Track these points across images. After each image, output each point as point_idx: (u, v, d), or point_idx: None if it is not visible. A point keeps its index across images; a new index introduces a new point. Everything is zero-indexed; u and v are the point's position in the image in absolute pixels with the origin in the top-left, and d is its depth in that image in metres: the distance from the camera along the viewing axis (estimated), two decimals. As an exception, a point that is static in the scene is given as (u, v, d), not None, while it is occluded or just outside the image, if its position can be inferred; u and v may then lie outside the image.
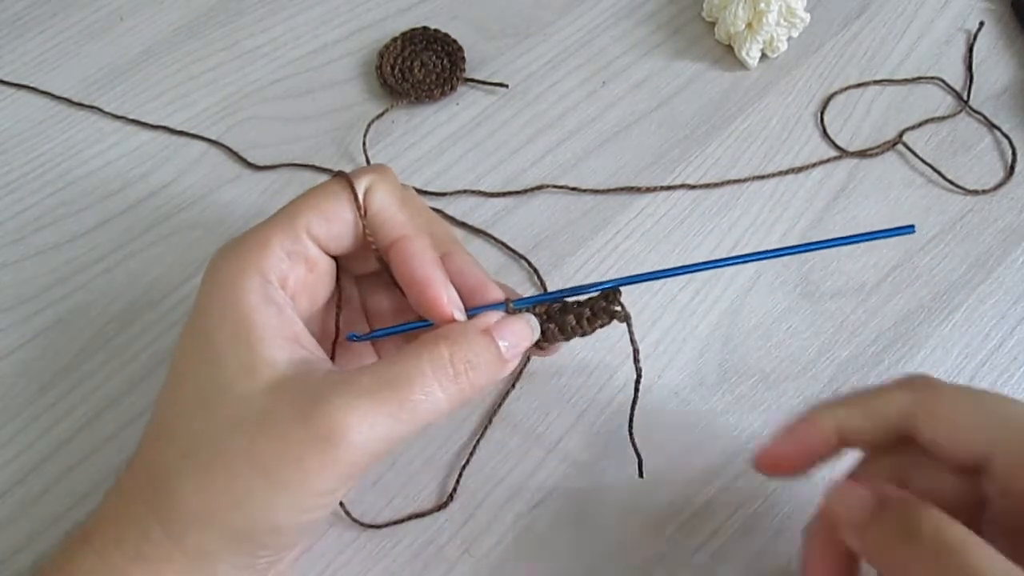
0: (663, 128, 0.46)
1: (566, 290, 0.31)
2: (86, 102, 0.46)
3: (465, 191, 0.43)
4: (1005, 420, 0.27)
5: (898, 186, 0.44)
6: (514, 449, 0.37)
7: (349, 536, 0.35)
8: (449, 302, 0.29)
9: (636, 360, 0.31)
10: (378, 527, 0.35)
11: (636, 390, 0.32)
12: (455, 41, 0.48)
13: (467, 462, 0.37)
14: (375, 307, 0.34)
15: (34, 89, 0.47)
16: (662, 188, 0.44)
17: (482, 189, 0.44)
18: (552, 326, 0.30)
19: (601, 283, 0.30)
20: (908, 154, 0.45)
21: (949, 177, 0.44)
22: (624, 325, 0.31)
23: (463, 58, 0.47)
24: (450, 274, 0.30)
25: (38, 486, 0.36)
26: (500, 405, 0.38)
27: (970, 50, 0.48)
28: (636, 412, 0.34)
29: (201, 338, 0.28)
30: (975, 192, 0.44)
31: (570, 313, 0.30)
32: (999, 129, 0.45)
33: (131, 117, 0.46)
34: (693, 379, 0.39)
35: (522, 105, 0.46)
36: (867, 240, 0.29)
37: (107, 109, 0.46)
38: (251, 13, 0.50)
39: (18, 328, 0.40)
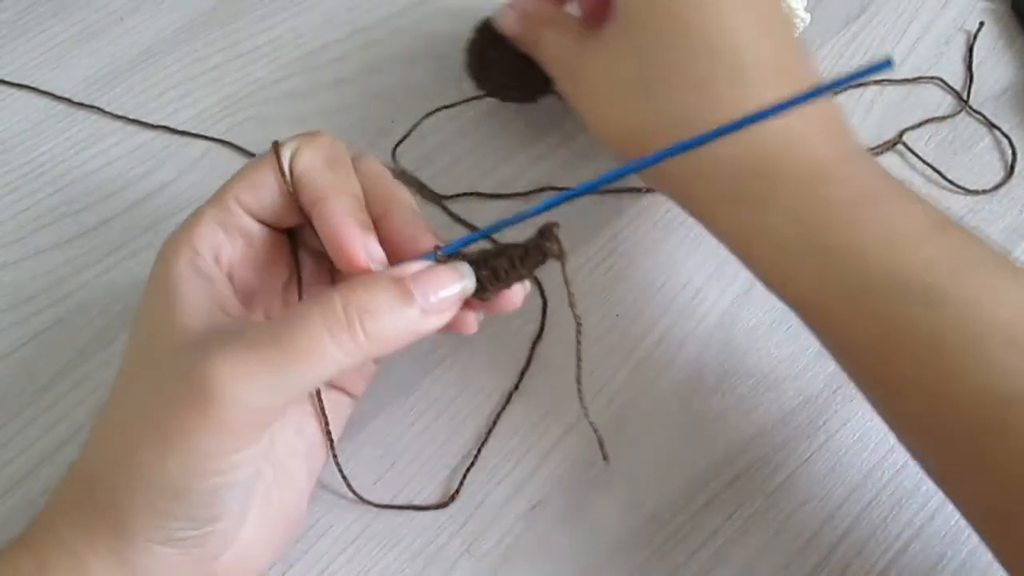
0: (663, 128, 0.46)
1: (499, 223, 0.28)
2: (86, 102, 0.46)
3: (465, 193, 0.43)
4: None
5: (898, 186, 0.44)
6: (514, 449, 0.37)
7: (349, 536, 0.35)
8: (366, 256, 0.28)
9: (572, 306, 0.29)
10: (376, 505, 0.35)
11: (578, 341, 0.30)
12: None
13: (472, 464, 0.37)
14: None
15: (34, 89, 0.47)
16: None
17: (481, 191, 0.44)
18: (486, 272, 0.28)
19: (527, 211, 0.28)
20: (908, 154, 0.45)
21: (949, 177, 0.44)
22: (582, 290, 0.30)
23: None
24: (386, 232, 0.29)
25: (38, 486, 0.36)
26: (504, 406, 0.38)
27: (970, 50, 0.48)
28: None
29: (139, 311, 0.29)
30: (975, 192, 0.44)
31: (503, 256, 0.28)
32: (999, 129, 0.45)
33: (131, 117, 0.46)
34: (693, 379, 0.39)
35: (522, 105, 0.46)
36: (839, 86, 0.25)
37: (107, 109, 0.46)
38: (251, 13, 0.50)
39: (18, 328, 0.40)
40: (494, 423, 0.37)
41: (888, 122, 0.46)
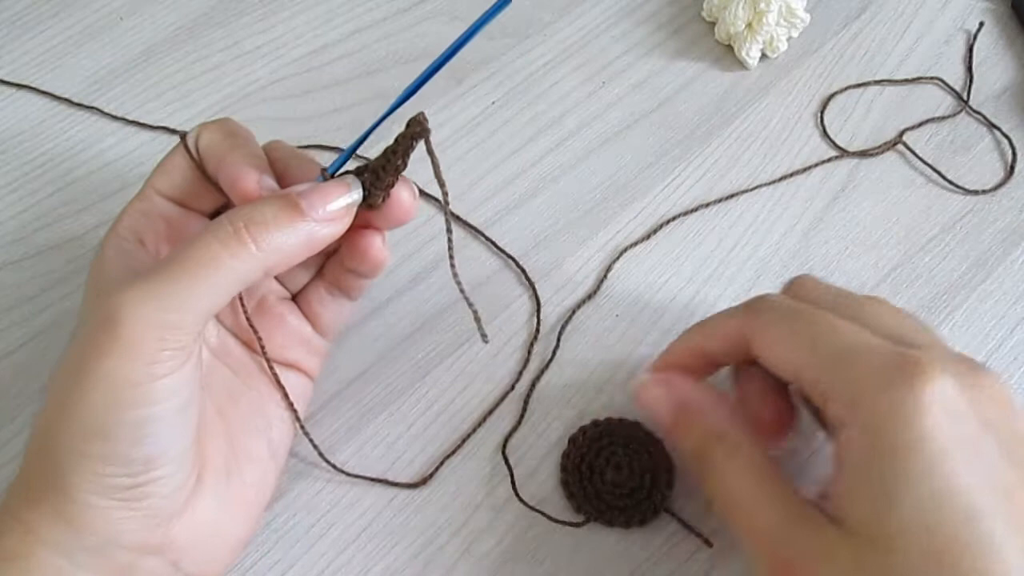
0: (663, 128, 0.46)
1: (371, 127, 0.30)
2: (86, 102, 0.46)
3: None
4: (812, 343, 0.29)
5: (898, 186, 0.44)
6: (514, 448, 0.37)
7: (349, 536, 0.35)
8: (258, 186, 0.29)
9: (437, 176, 0.29)
10: (346, 473, 0.36)
11: (446, 212, 0.30)
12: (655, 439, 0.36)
13: (453, 452, 0.37)
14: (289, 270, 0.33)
15: (34, 89, 0.47)
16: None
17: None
18: (367, 175, 0.30)
19: (394, 102, 0.29)
20: (908, 154, 0.45)
21: (949, 177, 0.44)
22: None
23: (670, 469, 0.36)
24: (286, 181, 0.31)
25: (38, 486, 0.36)
26: (499, 403, 0.38)
27: (970, 50, 0.48)
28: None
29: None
30: (975, 192, 0.44)
31: (379, 156, 0.29)
32: (999, 129, 0.45)
33: (131, 117, 0.46)
34: (693, 379, 0.39)
35: (522, 105, 0.46)
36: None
37: (107, 109, 0.46)
38: (251, 13, 0.50)
39: (18, 328, 0.40)
40: (484, 419, 0.38)
41: (888, 122, 0.46)
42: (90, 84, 0.47)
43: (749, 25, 0.47)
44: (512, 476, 0.36)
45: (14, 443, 0.37)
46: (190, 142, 0.32)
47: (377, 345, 0.39)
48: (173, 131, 0.45)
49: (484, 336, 0.33)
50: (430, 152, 0.29)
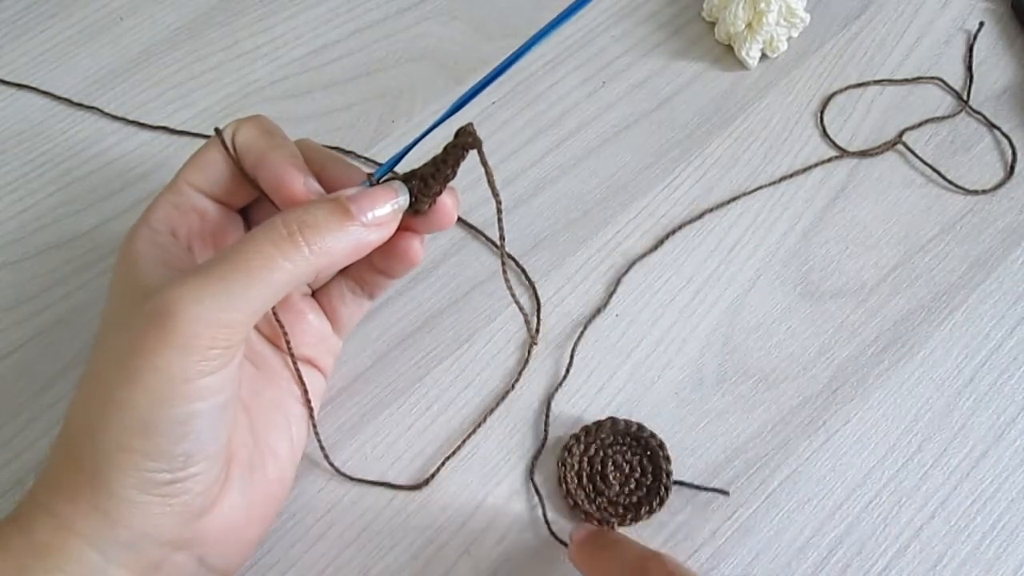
0: (663, 128, 0.46)
1: (419, 136, 0.31)
2: (86, 102, 0.46)
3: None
4: None
5: (898, 186, 0.44)
6: (514, 448, 0.37)
7: (349, 536, 0.35)
8: (305, 189, 0.30)
9: (491, 185, 0.30)
10: (350, 478, 0.36)
11: (499, 219, 0.32)
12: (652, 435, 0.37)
13: (453, 452, 0.37)
14: None
15: (34, 89, 0.47)
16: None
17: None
18: (416, 183, 0.30)
19: (447, 111, 0.30)
20: (908, 154, 0.45)
21: (949, 177, 0.44)
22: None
23: (666, 457, 0.36)
24: (326, 182, 0.31)
25: (38, 486, 0.36)
26: (499, 403, 0.38)
27: (970, 50, 0.48)
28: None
29: (108, 291, 0.30)
30: (975, 192, 0.44)
31: (428, 164, 0.30)
32: (999, 129, 0.45)
33: (131, 117, 0.46)
34: (693, 379, 0.39)
35: (522, 105, 0.46)
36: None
37: (107, 109, 0.46)
38: (251, 13, 0.50)
39: (18, 328, 0.40)
40: (484, 419, 0.38)
41: (888, 122, 0.46)
42: (90, 84, 0.47)
43: (749, 25, 0.47)
44: (542, 502, 0.36)
45: (16, 441, 0.37)
46: (226, 138, 0.32)
47: (377, 345, 0.39)
48: (173, 131, 0.45)
49: (534, 340, 0.35)
50: (484, 163, 0.29)
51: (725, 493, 0.36)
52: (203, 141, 0.45)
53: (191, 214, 0.32)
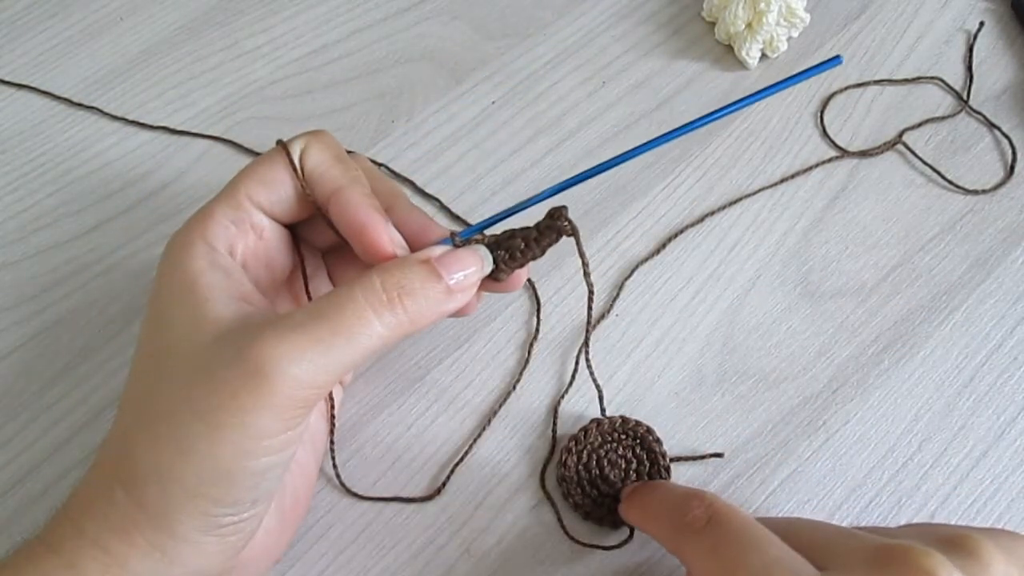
0: (663, 128, 0.46)
1: (510, 209, 0.31)
2: (86, 102, 0.46)
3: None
4: None
5: (898, 186, 0.44)
6: (514, 448, 0.37)
7: (349, 536, 0.35)
8: (390, 241, 0.29)
9: (586, 274, 0.30)
10: (363, 498, 0.36)
11: (589, 308, 0.32)
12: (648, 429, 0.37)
13: (461, 459, 0.37)
14: (343, 280, 0.34)
15: (34, 89, 0.47)
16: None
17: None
18: (502, 253, 0.30)
19: (539, 194, 0.31)
20: (908, 154, 0.45)
21: (949, 177, 0.44)
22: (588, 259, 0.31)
23: (657, 440, 0.37)
24: (395, 223, 0.30)
25: (38, 486, 0.36)
26: (501, 405, 0.38)
27: (970, 50, 0.48)
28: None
29: (154, 308, 0.29)
30: (975, 192, 0.44)
31: (517, 237, 0.30)
32: (999, 129, 0.45)
33: (131, 117, 0.46)
34: (693, 379, 0.39)
35: (522, 105, 0.46)
36: (795, 83, 0.29)
37: (107, 109, 0.46)
38: (251, 13, 0.50)
39: (18, 328, 0.40)
40: (488, 421, 0.38)
41: (888, 122, 0.46)
42: (90, 84, 0.47)
43: (749, 25, 0.47)
44: (558, 512, 0.36)
45: (15, 442, 0.37)
46: (295, 157, 0.30)
47: (377, 345, 0.39)
48: (173, 131, 0.45)
49: (603, 412, 0.36)
50: (581, 253, 0.30)
51: (720, 456, 0.37)
52: (202, 141, 0.45)
53: (248, 232, 0.30)
